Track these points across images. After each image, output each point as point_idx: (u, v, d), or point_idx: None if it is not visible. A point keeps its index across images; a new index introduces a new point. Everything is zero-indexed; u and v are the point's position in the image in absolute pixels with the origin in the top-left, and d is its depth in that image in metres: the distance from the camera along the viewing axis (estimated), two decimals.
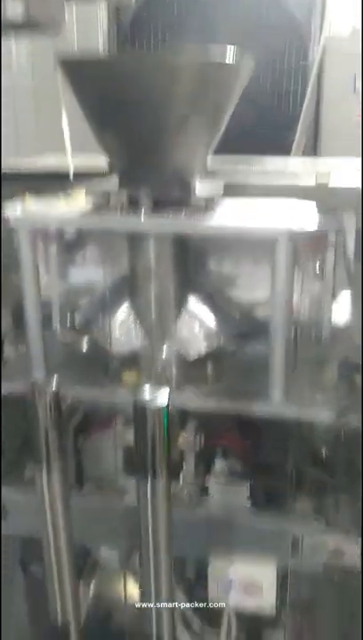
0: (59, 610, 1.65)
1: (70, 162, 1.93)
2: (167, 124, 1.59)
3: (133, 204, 1.72)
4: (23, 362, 1.91)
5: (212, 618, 2.11)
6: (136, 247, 1.80)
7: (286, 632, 2.10)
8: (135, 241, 1.80)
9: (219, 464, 1.95)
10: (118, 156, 1.73)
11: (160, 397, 1.31)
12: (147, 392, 1.33)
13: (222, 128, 1.71)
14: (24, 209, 1.81)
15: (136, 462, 1.37)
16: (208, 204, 1.73)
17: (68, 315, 2.20)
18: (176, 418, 1.86)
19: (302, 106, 3.42)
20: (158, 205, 1.70)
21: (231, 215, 1.72)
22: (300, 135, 3.40)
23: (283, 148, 3.27)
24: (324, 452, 1.98)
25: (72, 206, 1.87)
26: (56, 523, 1.49)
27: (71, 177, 1.93)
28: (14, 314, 2.13)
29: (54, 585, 1.58)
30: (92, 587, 2.41)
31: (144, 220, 1.67)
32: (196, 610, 2.13)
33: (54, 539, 1.52)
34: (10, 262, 2.05)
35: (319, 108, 3.55)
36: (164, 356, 1.88)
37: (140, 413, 1.31)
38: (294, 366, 1.82)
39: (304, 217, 1.67)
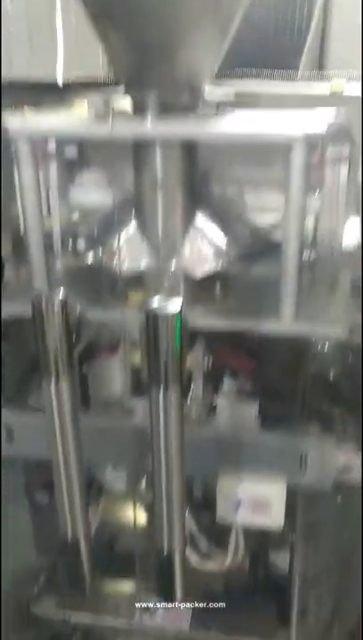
0: (69, 527, 1.64)
1: (61, 65, 1.83)
2: (177, 20, 1.48)
3: (139, 110, 1.63)
4: (25, 285, 1.85)
5: (219, 537, 2.12)
6: (142, 157, 1.71)
7: (294, 549, 2.11)
8: (141, 150, 1.71)
9: (227, 384, 1.92)
10: (124, 58, 1.63)
11: (172, 305, 1.26)
12: (158, 301, 1.28)
13: (234, 28, 1.60)
14: (23, 120, 1.71)
15: (148, 373, 1.33)
16: (218, 110, 1.64)
17: (71, 237, 2.14)
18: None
19: (308, 32, 3.26)
20: (166, 111, 1.61)
21: (243, 122, 1.63)
22: (305, 63, 3.25)
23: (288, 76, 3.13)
24: (332, 370, 1.95)
25: (73, 117, 1.78)
26: (65, 437, 1.46)
27: (60, 82, 1.82)
28: (15, 240, 2.06)
29: (64, 501, 1.56)
30: (97, 511, 2.41)
31: (151, 126, 1.58)
32: (203, 529, 2.14)
33: (63, 453, 1.49)
34: (10, 189, 1.97)
35: (326, 34, 3.39)
36: (171, 275, 1.82)
37: (151, 322, 1.26)
38: (304, 285, 1.77)
39: (319, 123, 1.58)
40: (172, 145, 1.68)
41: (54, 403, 1.40)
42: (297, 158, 1.56)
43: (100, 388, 1.99)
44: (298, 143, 1.54)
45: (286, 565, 2.22)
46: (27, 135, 1.68)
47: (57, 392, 1.39)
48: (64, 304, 1.30)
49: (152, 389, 1.33)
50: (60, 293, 1.32)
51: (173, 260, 1.80)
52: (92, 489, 2.32)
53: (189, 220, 1.81)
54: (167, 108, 1.61)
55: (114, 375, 1.97)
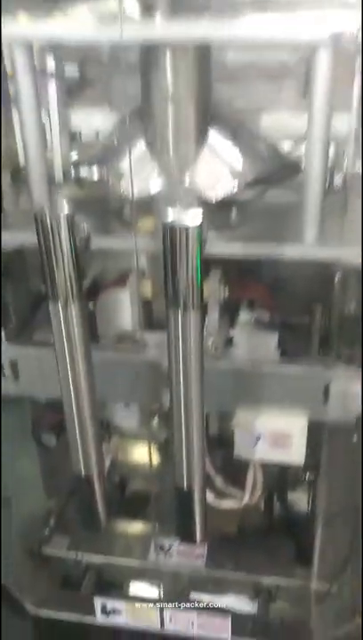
0: (81, 464, 1.56)
1: None
2: None
3: (147, 12, 1.47)
4: (26, 215, 1.72)
5: (236, 474, 2.05)
6: (151, 67, 1.56)
7: (314, 486, 2.05)
8: (150, 60, 1.56)
9: (244, 314, 1.81)
10: None
11: (192, 217, 1.14)
12: (175, 212, 1.15)
13: None
14: (20, 26, 1.55)
15: (166, 293, 1.21)
16: (236, 10, 1.47)
17: (73, 162, 2.01)
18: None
19: None
20: (177, 12, 1.45)
21: (262, 23, 1.46)
22: None
23: None
24: (353, 299, 1.83)
25: (75, 23, 1.62)
26: (75, 364, 1.36)
27: None
28: (14, 169, 1.93)
29: (76, 436, 1.48)
30: (109, 451, 2.34)
31: (161, 26, 1.43)
32: (219, 466, 2.07)
33: (74, 382, 1.39)
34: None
35: None
36: (183, 198, 1.68)
37: (169, 236, 1.14)
38: (328, 209, 1.64)
39: (348, 22, 1.41)
40: (184, 51, 1.52)
41: (63, 327, 1.29)
42: (322, 63, 1.41)
43: (110, 322, 1.89)
44: (324, 44, 1.38)
45: (305, 503, 2.17)
46: (25, 42, 1.52)
47: (65, 316, 1.27)
48: (70, 218, 1.18)
49: (170, 311, 1.22)
50: (65, 207, 1.20)
51: (185, 184, 1.67)
52: (103, 428, 2.25)
53: (202, 137, 1.67)
54: (179, 8, 1.45)
55: (123, 308, 1.86)
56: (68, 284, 1.24)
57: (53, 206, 1.20)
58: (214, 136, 1.69)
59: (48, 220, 1.17)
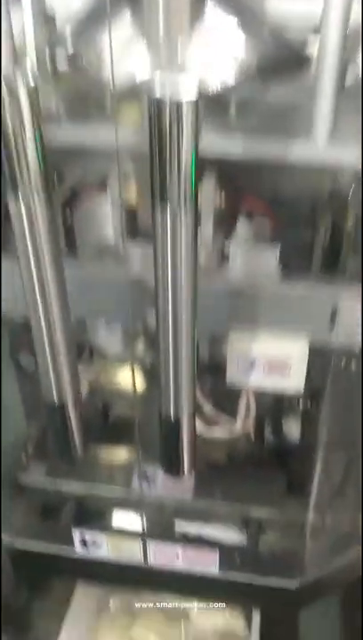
0: (54, 391, 1.39)
1: None
2: None
3: None
4: None
5: (228, 402, 1.91)
6: None
7: (312, 416, 1.92)
8: None
9: (242, 226, 1.61)
10: None
11: (185, 87, 0.91)
12: (163, 80, 0.92)
13: None
14: None
15: (152, 186, 1.00)
16: None
17: (49, 45, 1.74)
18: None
19: None
20: None
21: None
22: None
23: None
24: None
25: None
26: (42, 273, 1.16)
27: None
28: None
29: (47, 360, 1.30)
30: (90, 376, 2.19)
31: None
32: (209, 393, 1.92)
33: (42, 296, 1.19)
34: None
35: None
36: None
37: (155, 111, 0.92)
38: (343, 108, 1.41)
39: None
40: None
41: (26, 225, 1.08)
42: None
43: (89, 233, 1.68)
44: None
45: (300, 433, 2.05)
46: None
47: (29, 211, 1.06)
48: (34, 91, 0.95)
49: (158, 210, 1.01)
50: (30, 78, 0.96)
51: (178, 64, 1.43)
52: (84, 350, 2.09)
53: (198, 12, 1.41)
54: None
55: (104, 215, 1.64)
56: (31, 171, 1.01)
57: (11, 77, 0.96)
58: (213, 12, 1.44)
59: (5, 92, 0.93)
